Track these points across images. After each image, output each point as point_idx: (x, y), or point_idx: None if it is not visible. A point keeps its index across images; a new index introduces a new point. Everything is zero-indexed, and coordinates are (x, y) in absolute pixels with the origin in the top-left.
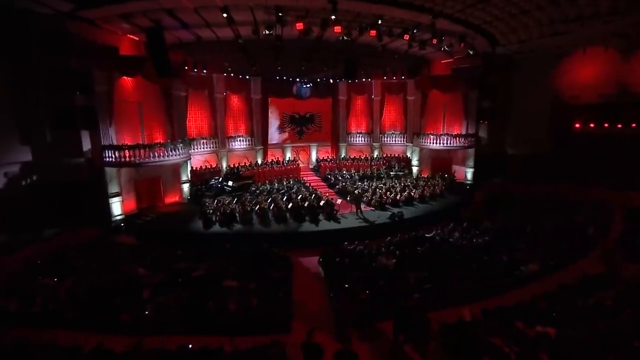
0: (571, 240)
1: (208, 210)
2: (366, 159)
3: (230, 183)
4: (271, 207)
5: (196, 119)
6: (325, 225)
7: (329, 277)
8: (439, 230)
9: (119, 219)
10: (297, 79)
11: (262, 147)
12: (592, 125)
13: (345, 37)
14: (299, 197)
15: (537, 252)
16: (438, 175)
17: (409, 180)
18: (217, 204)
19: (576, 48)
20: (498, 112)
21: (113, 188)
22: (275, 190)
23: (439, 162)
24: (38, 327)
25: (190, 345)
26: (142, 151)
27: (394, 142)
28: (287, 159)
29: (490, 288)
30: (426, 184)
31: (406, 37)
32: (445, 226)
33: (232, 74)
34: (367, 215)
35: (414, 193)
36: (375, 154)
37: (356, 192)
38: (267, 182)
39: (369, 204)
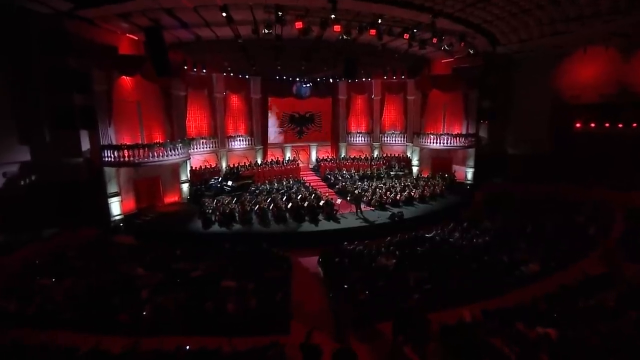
0: (572, 240)
1: (207, 210)
2: (366, 158)
3: (229, 183)
4: (271, 207)
5: (196, 119)
6: (324, 225)
7: (328, 278)
8: (439, 230)
9: (118, 219)
10: (297, 79)
11: (261, 146)
12: (592, 125)
13: (345, 37)
14: (298, 197)
15: (538, 253)
16: (438, 175)
17: (409, 180)
18: (216, 203)
19: (577, 48)
20: (498, 112)
21: (112, 188)
22: (274, 190)
23: (439, 162)
24: (36, 327)
25: (187, 347)
26: (141, 151)
27: (394, 141)
28: (287, 158)
29: (491, 288)
30: (426, 183)
31: (406, 36)
32: (445, 226)
33: (231, 74)
34: (367, 215)
35: (414, 193)
36: (375, 153)
37: (356, 192)
38: (266, 182)
39: (368, 203)
